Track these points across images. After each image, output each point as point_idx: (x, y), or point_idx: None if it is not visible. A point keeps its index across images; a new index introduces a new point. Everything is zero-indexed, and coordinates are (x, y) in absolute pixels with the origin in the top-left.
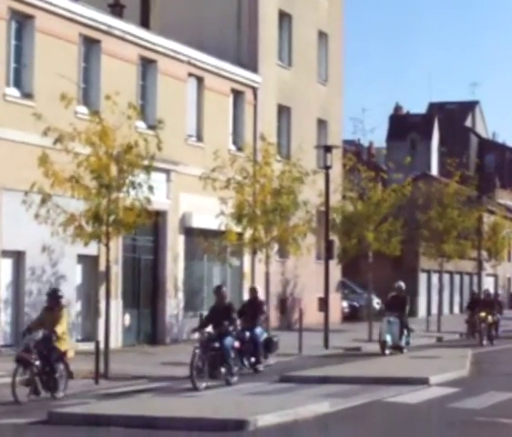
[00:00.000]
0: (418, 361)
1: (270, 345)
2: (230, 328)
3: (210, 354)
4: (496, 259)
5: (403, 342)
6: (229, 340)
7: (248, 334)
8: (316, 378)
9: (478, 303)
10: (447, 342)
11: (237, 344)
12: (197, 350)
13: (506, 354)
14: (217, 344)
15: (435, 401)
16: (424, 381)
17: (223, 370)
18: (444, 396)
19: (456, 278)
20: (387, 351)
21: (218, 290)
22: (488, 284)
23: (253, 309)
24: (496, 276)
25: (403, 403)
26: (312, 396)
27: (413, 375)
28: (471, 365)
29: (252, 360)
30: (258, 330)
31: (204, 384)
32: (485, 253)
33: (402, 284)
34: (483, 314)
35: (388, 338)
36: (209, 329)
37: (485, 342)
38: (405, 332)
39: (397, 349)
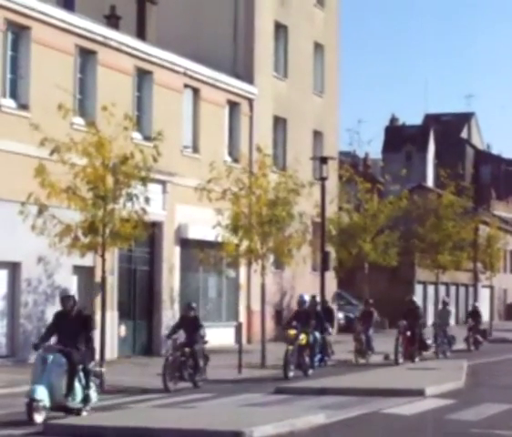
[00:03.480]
0: (414, 373)
1: None
2: None
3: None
4: (492, 271)
5: (76, 399)
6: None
7: None
8: (312, 389)
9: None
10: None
11: None
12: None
13: (502, 365)
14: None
15: (432, 413)
16: (420, 393)
17: None
18: (440, 407)
19: (452, 289)
20: (39, 418)
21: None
22: (484, 295)
23: None
24: (491, 287)
25: (399, 415)
26: (308, 407)
27: (409, 386)
28: (467, 376)
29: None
30: None
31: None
32: (480, 265)
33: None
34: (291, 333)
35: (41, 393)
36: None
37: (291, 374)
38: None
39: (64, 411)
